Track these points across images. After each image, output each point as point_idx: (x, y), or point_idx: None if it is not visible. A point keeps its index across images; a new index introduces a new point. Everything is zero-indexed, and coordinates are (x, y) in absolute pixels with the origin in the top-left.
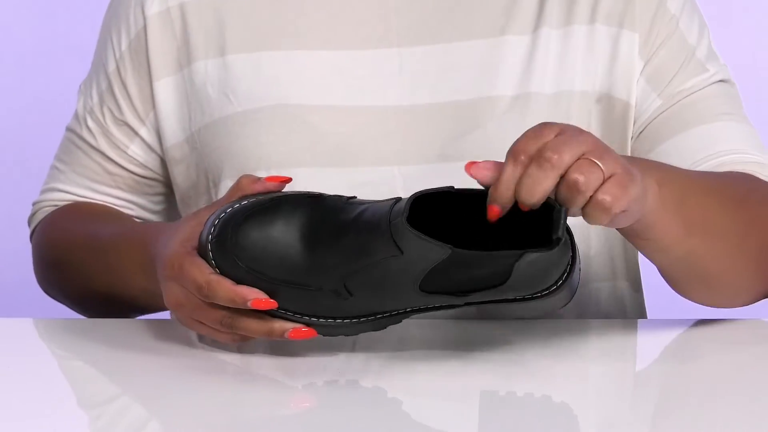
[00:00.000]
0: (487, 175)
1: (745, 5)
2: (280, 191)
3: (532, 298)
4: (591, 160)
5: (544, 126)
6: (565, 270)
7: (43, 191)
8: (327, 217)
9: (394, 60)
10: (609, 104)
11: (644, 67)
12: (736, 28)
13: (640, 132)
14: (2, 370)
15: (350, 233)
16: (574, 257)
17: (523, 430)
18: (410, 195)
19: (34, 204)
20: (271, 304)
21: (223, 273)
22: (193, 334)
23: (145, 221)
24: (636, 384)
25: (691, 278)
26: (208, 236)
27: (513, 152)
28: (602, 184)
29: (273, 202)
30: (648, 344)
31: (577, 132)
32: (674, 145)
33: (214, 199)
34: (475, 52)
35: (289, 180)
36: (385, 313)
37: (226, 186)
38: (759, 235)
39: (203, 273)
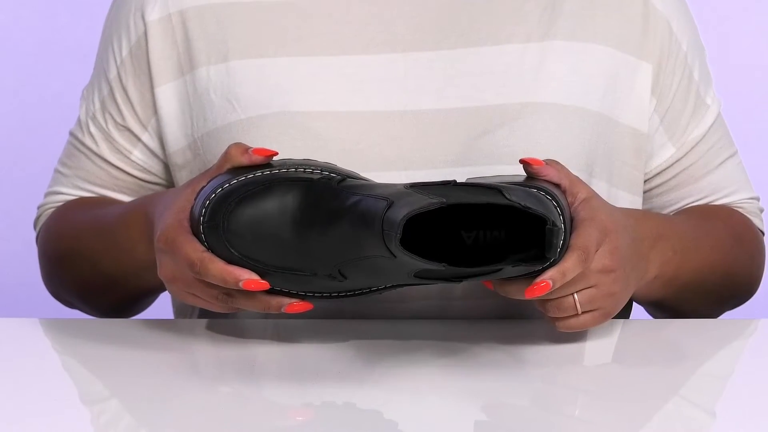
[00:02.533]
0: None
1: (744, 4)
2: (268, 166)
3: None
4: (597, 315)
5: (613, 249)
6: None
7: (47, 194)
8: (319, 202)
9: (399, 65)
10: (613, 127)
11: (659, 109)
12: (737, 27)
13: (651, 176)
14: (4, 369)
15: (343, 222)
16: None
17: (519, 430)
18: (403, 214)
19: (38, 207)
20: (263, 285)
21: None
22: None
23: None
24: (625, 383)
25: (655, 312)
26: (200, 218)
27: (582, 249)
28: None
29: (264, 186)
30: (631, 344)
31: (610, 264)
32: (684, 195)
33: None
34: (481, 59)
35: (276, 153)
36: (381, 287)
37: None
38: (733, 291)
39: (195, 251)
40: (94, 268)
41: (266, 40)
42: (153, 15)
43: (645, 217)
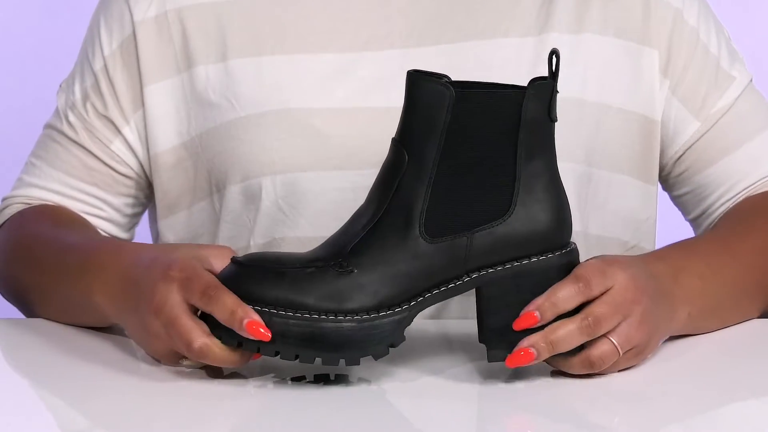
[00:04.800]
0: None
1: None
2: None
3: (545, 257)
4: (630, 354)
5: (614, 273)
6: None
7: (16, 186)
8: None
9: (397, 61)
10: (615, 115)
11: (672, 85)
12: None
13: (681, 155)
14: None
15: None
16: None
17: (519, 429)
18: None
19: (4, 199)
20: (264, 336)
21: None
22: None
23: (109, 235)
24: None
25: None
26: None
27: (578, 277)
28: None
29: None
30: None
31: (632, 295)
32: (722, 170)
33: (216, 206)
34: (479, 53)
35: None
36: (389, 309)
37: (230, 192)
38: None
39: (213, 279)
40: (46, 290)
41: (265, 38)
42: (148, 13)
43: (655, 257)
